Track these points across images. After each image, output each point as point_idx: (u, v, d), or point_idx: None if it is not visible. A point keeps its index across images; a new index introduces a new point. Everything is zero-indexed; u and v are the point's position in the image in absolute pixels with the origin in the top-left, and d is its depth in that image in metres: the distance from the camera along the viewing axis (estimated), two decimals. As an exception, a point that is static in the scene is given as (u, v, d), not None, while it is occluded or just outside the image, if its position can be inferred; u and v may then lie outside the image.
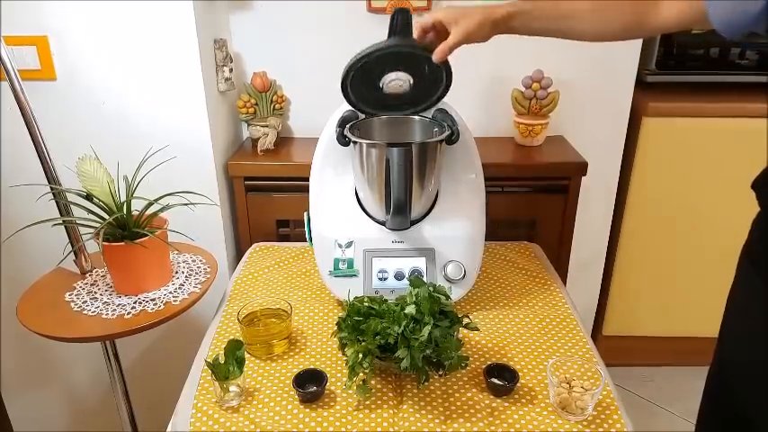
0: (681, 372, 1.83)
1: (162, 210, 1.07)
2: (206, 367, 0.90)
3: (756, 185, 0.79)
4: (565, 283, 1.42)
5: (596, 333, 1.88)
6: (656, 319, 1.83)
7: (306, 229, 1.12)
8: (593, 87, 1.51)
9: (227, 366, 0.86)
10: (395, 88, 1.01)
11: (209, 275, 1.14)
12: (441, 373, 0.87)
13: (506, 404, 0.84)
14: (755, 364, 0.78)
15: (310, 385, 0.86)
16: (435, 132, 1.02)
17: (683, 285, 1.76)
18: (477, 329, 0.92)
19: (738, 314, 0.83)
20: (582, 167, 1.39)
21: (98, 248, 1.06)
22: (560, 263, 1.47)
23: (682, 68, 1.62)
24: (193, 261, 1.19)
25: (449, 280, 1.03)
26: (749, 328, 0.79)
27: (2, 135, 1.30)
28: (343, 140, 1.01)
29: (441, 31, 0.91)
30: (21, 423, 1.57)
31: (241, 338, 0.93)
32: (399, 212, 0.97)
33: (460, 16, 0.88)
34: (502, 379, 0.87)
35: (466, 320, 0.89)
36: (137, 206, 1.06)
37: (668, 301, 1.80)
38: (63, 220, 1.08)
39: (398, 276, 1.04)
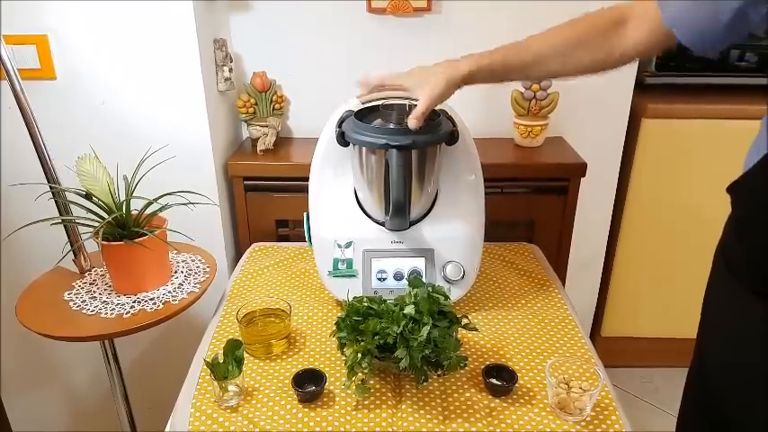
0: (679, 373, 1.81)
1: (161, 209, 1.07)
2: (205, 367, 0.90)
3: (732, 190, 0.78)
4: (564, 283, 1.42)
5: (595, 334, 1.88)
6: (654, 321, 1.84)
7: (305, 229, 1.12)
8: (592, 89, 1.51)
9: (226, 366, 0.86)
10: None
11: (208, 275, 1.14)
12: (439, 373, 0.87)
13: (505, 404, 0.85)
14: (736, 366, 0.78)
15: (309, 385, 0.86)
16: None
17: (682, 287, 1.76)
18: (476, 330, 0.92)
19: (717, 316, 0.83)
20: (581, 168, 1.40)
21: (97, 248, 1.06)
22: (559, 264, 1.47)
23: (681, 70, 1.62)
24: (192, 261, 1.19)
25: (448, 280, 1.03)
26: (729, 330, 0.79)
27: (2, 134, 1.30)
28: (342, 141, 1.02)
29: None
30: (20, 423, 1.57)
31: (240, 338, 0.93)
32: (399, 213, 0.97)
33: (423, 83, 0.92)
34: (500, 379, 0.87)
35: (465, 321, 0.89)
36: (136, 205, 1.06)
37: (667, 303, 1.80)
38: (62, 220, 1.08)
39: (397, 277, 1.04)
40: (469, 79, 0.89)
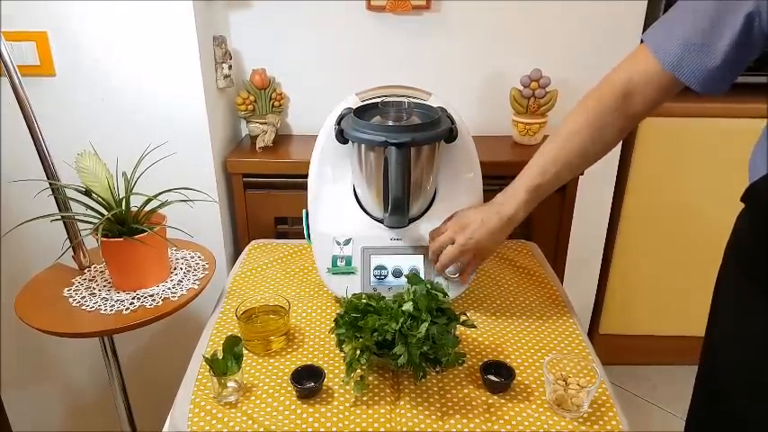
0: (677, 370, 1.84)
1: (161, 206, 1.07)
2: (204, 363, 0.90)
3: (748, 197, 0.78)
4: (562, 281, 1.43)
5: (593, 331, 1.89)
6: (652, 318, 1.84)
7: (304, 226, 1.12)
8: (591, 86, 1.51)
9: (226, 362, 0.86)
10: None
11: (207, 272, 1.14)
12: (438, 369, 0.88)
13: (503, 401, 0.85)
14: (746, 366, 0.78)
15: (308, 381, 0.86)
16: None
17: (680, 284, 1.77)
18: (474, 327, 0.93)
19: (728, 316, 0.83)
20: (579, 166, 1.40)
21: (96, 244, 1.06)
22: (557, 261, 1.47)
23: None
24: (192, 257, 1.19)
25: (446, 277, 1.04)
26: (739, 330, 0.79)
27: (1, 130, 1.30)
28: (341, 138, 1.02)
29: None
30: (18, 419, 1.58)
31: (239, 334, 0.94)
32: (397, 210, 0.98)
33: (484, 250, 0.97)
34: (498, 376, 0.88)
35: (463, 318, 0.89)
36: (135, 202, 1.06)
37: (665, 300, 1.81)
38: (62, 216, 1.08)
39: (396, 274, 1.04)
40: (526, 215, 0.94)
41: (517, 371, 0.89)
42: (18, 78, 1.02)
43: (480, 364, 0.90)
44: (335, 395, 0.86)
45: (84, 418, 1.64)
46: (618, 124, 0.86)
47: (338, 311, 0.90)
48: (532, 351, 0.96)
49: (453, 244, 0.97)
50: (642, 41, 0.83)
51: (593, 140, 0.87)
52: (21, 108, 1.03)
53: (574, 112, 0.89)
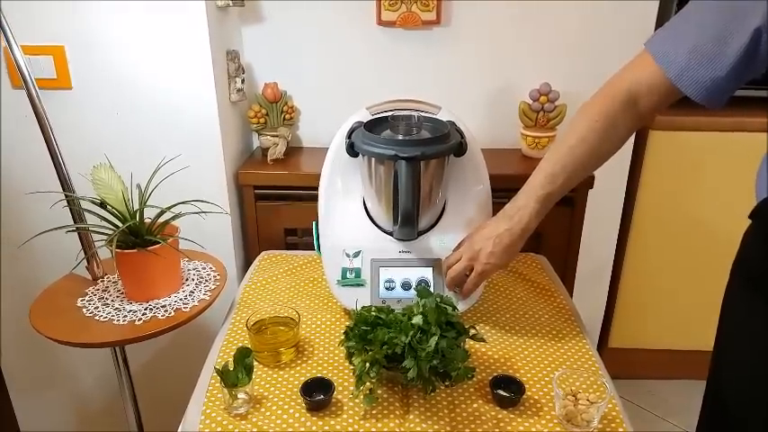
0: (687, 384, 1.82)
1: (174, 218, 1.09)
2: (215, 374, 0.91)
3: (757, 215, 0.78)
4: (571, 295, 1.42)
5: (602, 345, 1.88)
6: (662, 332, 1.83)
7: (314, 238, 1.13)
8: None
9: (236, 373, 0.87)
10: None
11: (218, 283, 1.15)
12: (447, 383, 0.88)
13: (512, 416, 0.85)
14: (755, 379, 0.78)
15: (317, 393, 0.87)
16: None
17: (690, 298, 1.76)
18: (484, 341, 0.93)
19: (736, 330, 0.83)
20: (589, 180, 1.40)
21: (110, 255, 1.08)
22: (567, 275, 1.47)
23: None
24: (203, 268, 1.20)
25: (455, 291, 1.04)
26: (749, 344, 0.79)
27: (19, 142, 1.32)
28: (351, 151, 1.03)
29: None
30: (28, 425, 1.59)
31: (249, 346, 0.94)
32: (407, 223, 0.98)
33: (503, 266, 0.98)
34: (508, 391, 0.88)
35: (472, 331, 0.90)
36: (149, 214, 1.07)
37: (674, 314, 1.80)
38: (77, 227, 1.10)
39: (405, 286, 1.04)
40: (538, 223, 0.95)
41: (527, 385, 0.89)
42: (35, 91, 1.04)
43: (490, 378, 0.90)
44: (345, 408, 0.86)
45: (93, 425, 1.65)
46: (623, 129, 0.88)
47: (348, 324, 0.91)
48: (542, 366, 0.95)
49: (472, 271, 0.97)
50: (645, 47, 0.83)
51: (600, 145, 0.89)
52: (38, 120, 1.05)
53: (578, 119, 0.90)
